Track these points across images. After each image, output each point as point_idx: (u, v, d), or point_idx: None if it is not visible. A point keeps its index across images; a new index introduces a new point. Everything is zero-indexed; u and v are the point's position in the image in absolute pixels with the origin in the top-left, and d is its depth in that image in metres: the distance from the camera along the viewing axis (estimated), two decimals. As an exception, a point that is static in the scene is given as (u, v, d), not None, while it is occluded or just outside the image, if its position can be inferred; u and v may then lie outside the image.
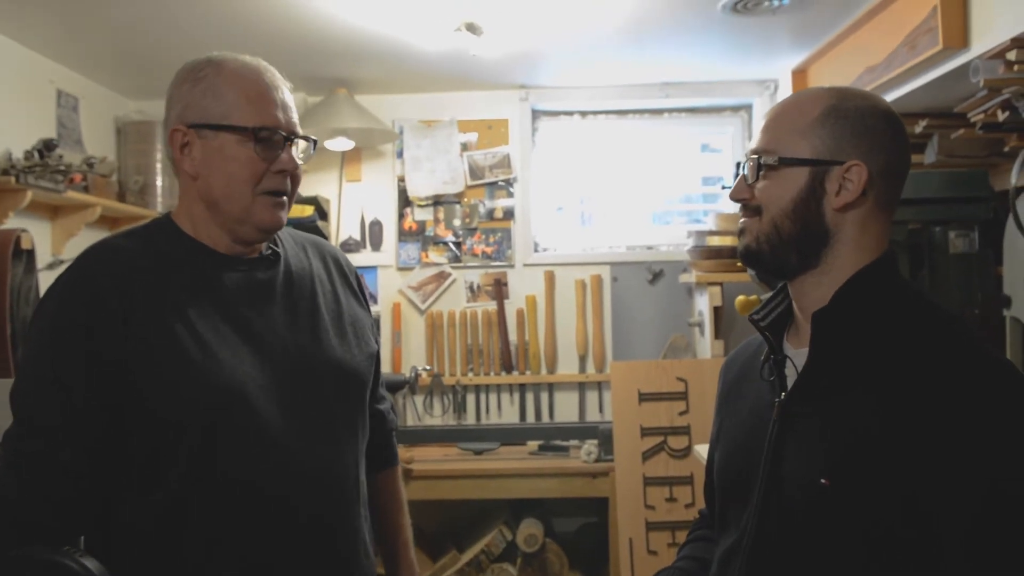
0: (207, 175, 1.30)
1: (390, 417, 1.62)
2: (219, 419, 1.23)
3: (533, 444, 3.77)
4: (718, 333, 3.45)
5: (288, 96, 1.35)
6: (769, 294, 1.25)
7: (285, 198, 1.34)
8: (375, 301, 3.94)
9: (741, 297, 3.18)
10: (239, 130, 1.28)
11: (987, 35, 2.17)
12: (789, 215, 1.12)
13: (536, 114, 4.08)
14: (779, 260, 1.15)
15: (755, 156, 1.14)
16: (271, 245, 1.40)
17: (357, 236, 4.04)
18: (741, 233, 1.18)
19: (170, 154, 1.34)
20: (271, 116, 1.30)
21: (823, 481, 1.04)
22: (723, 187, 1.20)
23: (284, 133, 1.31)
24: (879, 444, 1.02)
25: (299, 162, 1.34)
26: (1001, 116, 2.18)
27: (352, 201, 4.05)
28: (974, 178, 2.43)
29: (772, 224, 1.13)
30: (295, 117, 1.35)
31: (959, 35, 2.27)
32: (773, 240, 1.13)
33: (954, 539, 0.98)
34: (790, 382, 1.14)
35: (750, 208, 1.16)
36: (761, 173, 1.14)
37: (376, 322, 1.62)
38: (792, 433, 1.11)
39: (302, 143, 1.36)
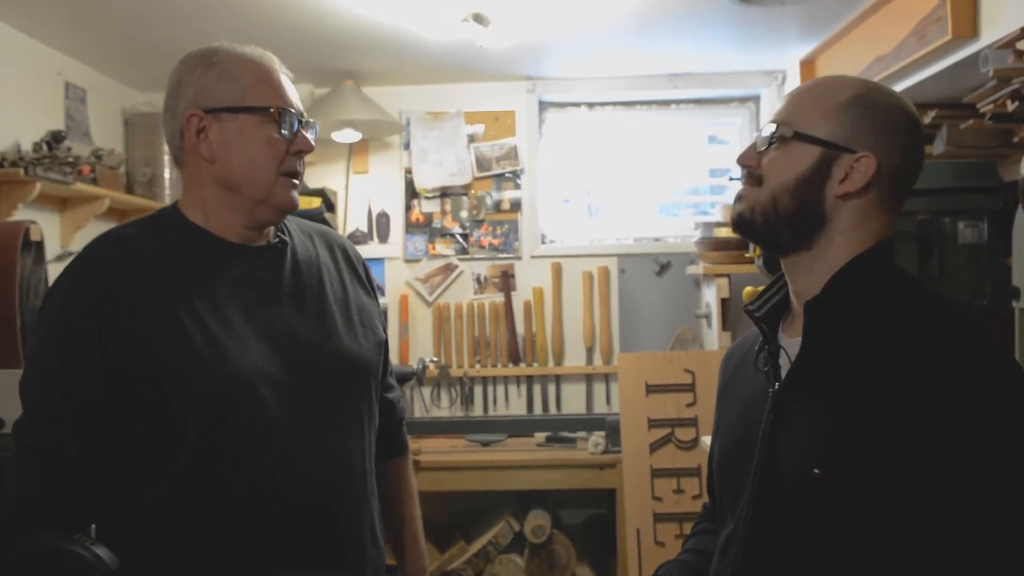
0: (226, 158, 1.30)
1: (400, 406, 1.63)
2: (226, 409, 1.23)
3: (540, 436, 3.78)
4: (725, 325, 3.45)
5: (291, 83, 1.37)
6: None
7: (298, 180, 1.36)
8: (382, 293, 3.95)
9: (749, 288, 3.17)
10: (259, 110, 1.30)
11: (997, 24, 2.16)
12: (790, 190, 1.11)
13: (543, 105, 4.08)
14: (771, 233, 1.14)
15: (773, 124, 1.14)
16: (279, 234, 1.40)
17: (364, 228, 4.04)
18: (737, 199, 1.17)
19: (175, 142, 1.34)
20: (286, 99, 1.33)
21: (816, 471, 1.04)
22: (731, 179, 1.20)
23: (298, 117, 1.33)
24: (873, 434, 1.02)
25: (312, 144, 1.36)
26: (1011, 106, 2.16)
27: (359, 193, 4.05)
28: (983, 168, 2.42)
29: (771, 196, 1.12)
30: (301, 106, 1.37)
31: (968, 25, 2.26)
32: (768, 213, 1.13)
33: (951, 529, 0.98)
34: (784, 372, 1.14)
35: (753, 176, 1.15)
36: (774, 144, 1.13)
37: (384, 312, 1.62)
38: (786, 423, 1.11)
39: (310, 128, 1.37)
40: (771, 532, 1.11)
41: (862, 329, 1.08)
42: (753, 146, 1.16)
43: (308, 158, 1.43)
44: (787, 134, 1.12)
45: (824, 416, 1.07)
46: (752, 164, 1.15)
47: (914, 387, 1.01)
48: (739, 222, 1.17)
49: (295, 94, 1.36)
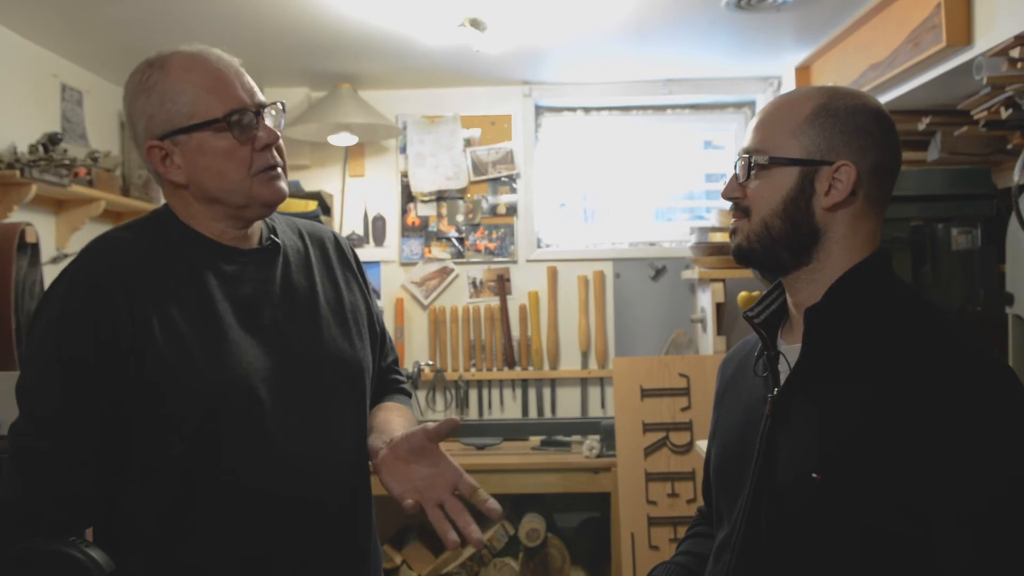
0: (197, 178, 1.28)
1: (404, 384, 1.60)
2: (221, 410, 1.23)
3: (535, 439, 3.78)
4: (720, 329, 3.46)
5: (239, 68, 1.31)
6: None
7: (279, 169, 1.32)
8: (378, 296, 3.95)
9: (744, 293, 3.19)
10: (211, 123, 1.26)
11: (991, 32, 2.17)
12: (779, 214, 1.13)
13: (539, 110, 4.08)
14: (772, 258, 1.16)
15: (746, 155, 1.16)
16: (271, 236, 1.40)
17: (360, 231, 4.04)
18: (733, 233, 1.19)
19: (150, 168, 1.32)
20: (234, 98, 1.27)
21: (814, 475, 1.05)
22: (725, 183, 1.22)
23: (252, 110, 1.28)
24: (871, 439, 1.03)
25: (278, 132, 1.31)
26: (1004, 114, 2.18)
27: (355, 196, 4.05)
28: (977, 175, 2.43)
29: (762, 224, 1.15)
30: (254, 86, 1.32)
31: (963, 32, 2.27)
32: (764, 239, 1.15)
33: (944, 534, 0.99)
34: (783, 378, 1.15)
35: (739, 208, 1.18)
36: (752, 173, 1.15)
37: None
38: (784, 428, 1.12)
39: (273, 112, 1.32)
40: (767, 536, 1.12)
41: (861, 336, 1.10)
42: (735, 178, 1.18)
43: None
44: (763, 161, 1.14)
45: (823, 421, 1.08)
46: (738, 196, 1.17)
47: (911, 393, 1.02)
48: (739, 254, 1.19)
49: (244, 84, 1.29)
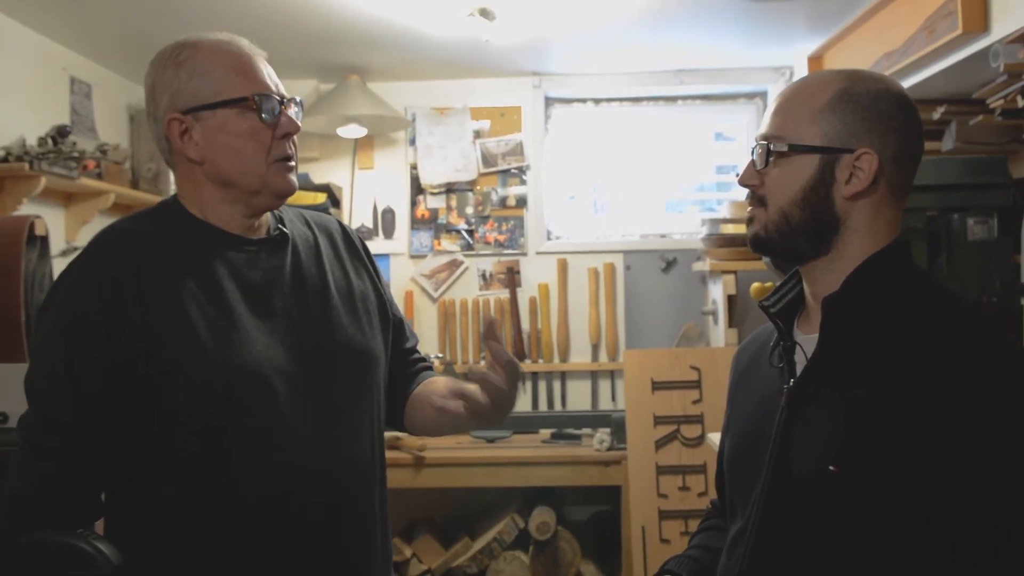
0: (214, 156, 1.28)
1: (430, 368, 1.58)
2: (232, 400, 1.22)
3: (546, 432, 3.76)
4: (732, 322, 3.44)
5: (264, 60, 1.34)
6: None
7: (293, 162, 1.33)
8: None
9: (756, 284, 3.17)
10: (237, 102, 1.27)
11: (1008, 19, 2.14)
12: (798, 203, 1.11)
13: (549, 101, 4.06)
14: (790, 247, 1.14)
15: (764, 142, 1.13)
16: (279, 225, 1.38)
17: (370, 224, 4.03)
18: (749, 222, 1.17)
19: (162, 145, 1.32)
20: (261, 83, 1.29)
21: (832, 468, 1.03)
22: (737, 175, 1.19)
23: (278, 97, 1.30)
24: (889, 431, 1.01)
25: (298, 124, 1.33)
26: (1021, 102, 2.15)
27: (365, 189, 4.04)
28: (993, 165, 2.41)
29: (780, 213, 1.12)
30: (278, 79, 1.34)
31: (979, 19, 2.24)
32: (783, 228, 1.12)
33: (963, 528, 0.97)
34: (799, 368, 1.13)
35: (755, 197, 1.15)
36: (771, 160, 1.12)
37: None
38: (800, 420, 1.10)
39: (293, 106, 1.34)
40: (782, 529, 1.10)
41: (879, 326, 1.08)
42: (752, 165, 1.15)
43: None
44: (782, 149, 1.11)
45: (840, 413, 1.06)
46: (755, 184, 1.14)
47: (930, 384, 1.00)
48: (756, 243, 1.16)
49: (270, 74, 1.32)
